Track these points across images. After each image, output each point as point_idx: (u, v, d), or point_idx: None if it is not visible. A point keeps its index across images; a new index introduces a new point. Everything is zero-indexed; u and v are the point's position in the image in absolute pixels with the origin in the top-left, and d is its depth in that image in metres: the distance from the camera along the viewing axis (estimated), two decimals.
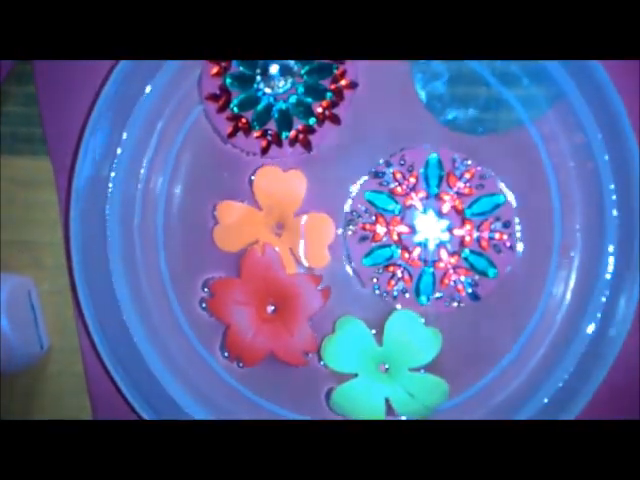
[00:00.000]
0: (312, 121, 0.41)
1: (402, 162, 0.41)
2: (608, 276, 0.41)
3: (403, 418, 0.41)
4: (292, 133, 0.41)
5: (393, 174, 0.41)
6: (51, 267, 0.45)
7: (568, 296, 0.42)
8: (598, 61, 0.38)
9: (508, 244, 0.41)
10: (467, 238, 0.41)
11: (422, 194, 0.41)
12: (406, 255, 0.41)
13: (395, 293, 0.41)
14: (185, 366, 0.43)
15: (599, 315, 0.41)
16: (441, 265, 0.41)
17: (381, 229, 0.41)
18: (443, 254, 0.41)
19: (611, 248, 0.41)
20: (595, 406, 0.39)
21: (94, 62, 0.42)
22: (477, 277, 0.41)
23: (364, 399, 0.41)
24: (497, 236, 0.41)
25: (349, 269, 0.42)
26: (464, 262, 0.41)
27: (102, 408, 0.44)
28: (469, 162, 0.41)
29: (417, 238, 0.41)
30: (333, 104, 0.41)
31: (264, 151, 0.41)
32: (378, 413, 0.41)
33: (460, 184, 0.41)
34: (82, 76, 0.43)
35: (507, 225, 0.41)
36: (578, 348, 0.41)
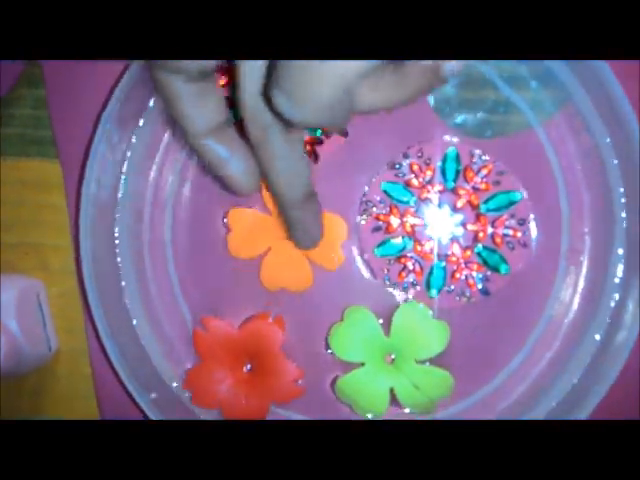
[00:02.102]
0: (319, 132, 0.42)
1: (420, 154, 0.41)
2: (617, 280, 0.40)
3: (407, 410, 0.42)
4: None
5: (410, 166, 0.41)
6: (59, 270, 0.44)
7: (576, 300, 0.42)
8: (606, 63, 0.38)
9: (522, 242, 0.41)
10: (480, 234, 0.41)
11: (438, 187, 0.41)
12: (418, 248, 0.41)
13: (405, 285, 0.41)
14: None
15: (608, 320, 0.40)
16: (453, 259, 0.41)
17: (395, 220, 0.41)
18: (455, 248, 0.41)
19: (620, 252, 0.40)
20: (602, 410, 0.39)
21: (104, 65, 0.42)
22: (489, 273, 0.41)
23: (369, 388, 0.41)
24: (511, 233, 0.41)
25: (360, 259, 0.43)
26: (476, 257, 0.41)
27: (110, 410, 0.44)
28: (487, 158, 0.41)
29: (430, 231, 0.42)
30: None
31: None
32: (382, 403, 0.41)
33: (477, 179, 0.41)
34: (92, 79, 0.43)
35: (522, 223, 0.41)
36: (586, 352, 0.40)
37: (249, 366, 0.42)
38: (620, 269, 0.41)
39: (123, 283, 0.42)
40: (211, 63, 0.29)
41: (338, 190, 0.42)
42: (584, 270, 0.42)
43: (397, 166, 0.41)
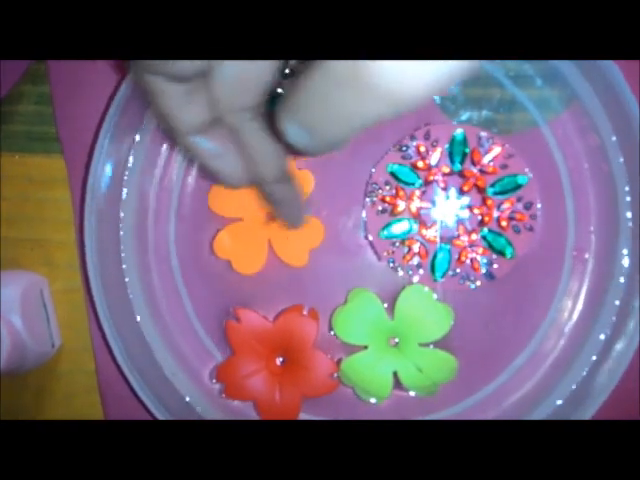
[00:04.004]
0: None
1: (427, 136, 0.41)
2: (622, 279, 0.40)
3: (411, 393, 0.41)
4: None
5: (416, 147, 0.41)
6: (64, 266, 0.44)
7: (582, 298, 0.41)
8: (613, 62, 0.38)
9: (528, 225, 0.41)
10: (486, 217, 0.41)
11: (445, 170, 0.41)
12: (424, 230, 0.41)
13: (410, 268, 0.41)
14: (196, 364, 0.43)
15: (613, 318, 0.40)
16: (458, 242, 0.41)
17: (401, 202, 0.41)
18: (461, 231, 0.41)
19: (625, 251, 0.40)
20: (607, 409, 0.39)
21: (109, 62, 0.42)
22: (494, 257, 0.41)
23: (372, 371, 0.41)
24: (517, 216, 0.41)
25: (365, 241, 0.42)
26: (482, 241, 0.41)
27: (113, 406, 0.44)
28: (494, 141, 0.41)
29: (436, 214, 0.41)
30: None
31: None
32: (385, 386, 0.41)
33: (484, 162, 0.41)
34: (97, 76, 0.43)
35: (529, 206, 0.41)
36: (591, 351, 0.40)
37: (282, 359, 0.42)
38: (625, 268, 0.40)
39: (127, 279, 0.42)
40: (197, 65, 0.28)
41: (345, 172, 0.42)
42: (589, 269, 0.41)
43: (404, 148, 0.41)
